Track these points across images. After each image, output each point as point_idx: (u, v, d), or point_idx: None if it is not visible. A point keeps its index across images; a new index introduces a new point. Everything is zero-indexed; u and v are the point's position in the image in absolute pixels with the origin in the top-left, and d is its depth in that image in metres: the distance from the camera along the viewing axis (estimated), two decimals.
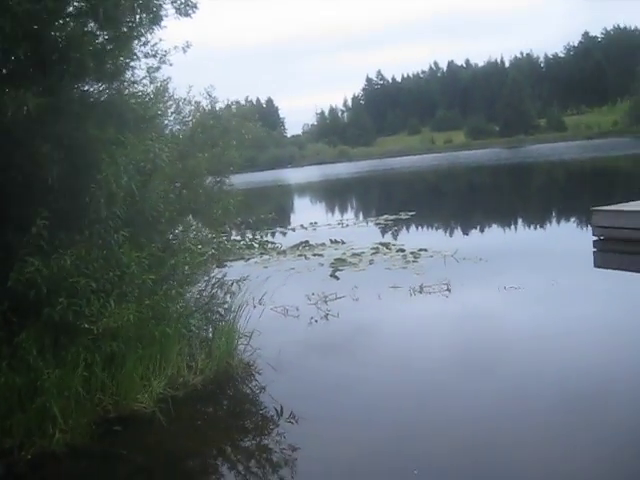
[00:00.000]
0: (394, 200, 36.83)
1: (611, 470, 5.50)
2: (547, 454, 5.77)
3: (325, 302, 11.77)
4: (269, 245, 19.59)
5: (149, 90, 10.38)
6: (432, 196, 38.49)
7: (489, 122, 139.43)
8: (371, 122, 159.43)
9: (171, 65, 9.28)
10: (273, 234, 23.04)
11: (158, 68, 10.08)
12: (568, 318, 9.88)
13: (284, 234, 23.34)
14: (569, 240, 17.23)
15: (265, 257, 17.74)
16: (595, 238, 15.73)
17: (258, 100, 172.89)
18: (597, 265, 14.25)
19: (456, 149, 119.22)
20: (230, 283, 10.02)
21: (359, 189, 51.56)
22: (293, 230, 24.12)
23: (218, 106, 11.73)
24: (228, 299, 9.82)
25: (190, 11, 8.32)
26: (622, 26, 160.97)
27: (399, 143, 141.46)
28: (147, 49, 9.03)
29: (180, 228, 9.85)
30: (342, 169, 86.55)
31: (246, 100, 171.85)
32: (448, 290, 11.83)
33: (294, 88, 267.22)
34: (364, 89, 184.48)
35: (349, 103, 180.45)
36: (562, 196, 30.79)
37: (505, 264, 14.27)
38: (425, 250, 15.94)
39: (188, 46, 9.03)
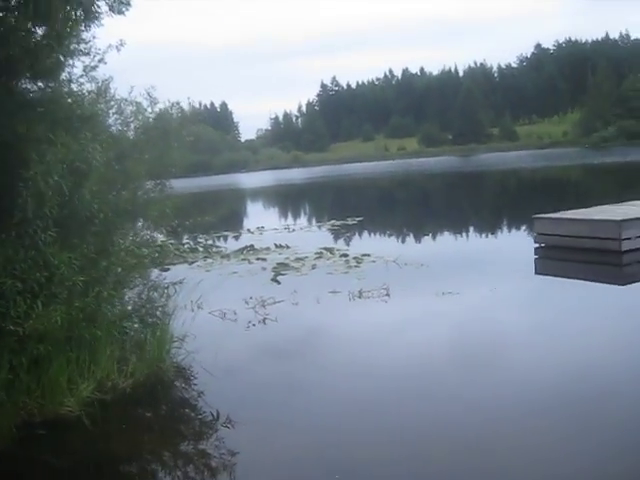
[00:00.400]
0: (343, 206, 36.92)
1: None
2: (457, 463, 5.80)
3: (263, 306, 11.70)
4: (214, 249, 19.49)
5: (87, 89, 10.31)
6: (380, 202, 38.73)
7: (443, 130, 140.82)
8: (325, 128, 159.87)
9: (106, 64, 9.17)
10: (219, 238, 22.94)
11: (95, 67, 9.98)
12: (498, 323, 9.98)
13: (231, 238, 23.23)
14: (513, 247, 17.43)
15: (209, 261, 17.62)
16: (537, 245, 15.94)
17: (212, 104, 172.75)
18: (538, 272, 14.40)
19: (409, 156, 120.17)
20: (166, 286, 9.94)
21: (310, 194, 51.60)
22: (240, 234, 24.03)
23: (158, 107, 11.54)
24: (165, 302, 9.73)
25: (124, 8, 8.24)
26: (573, 39, 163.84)
27: (353, 149, 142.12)
28: (82, 47, 8.94)
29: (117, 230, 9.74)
30: (295, 174, 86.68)
31: (199, 104, 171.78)
32: (387, 295, 11.85)
33: (249, 93, 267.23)
34: (319, 95, 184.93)
35: (304, 109, 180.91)
36: (509, 204, 31.22)
37: (446, 270, 14.36)
38: (368, 255, 15.98)
39: (122, 44, 8.90)
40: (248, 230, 24.87)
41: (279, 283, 13.92)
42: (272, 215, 34.37)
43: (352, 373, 8.34)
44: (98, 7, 8.40)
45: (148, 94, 11.19)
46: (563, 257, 15.07)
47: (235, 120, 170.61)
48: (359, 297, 11.88)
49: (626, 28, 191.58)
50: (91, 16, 8.31)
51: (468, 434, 6.29)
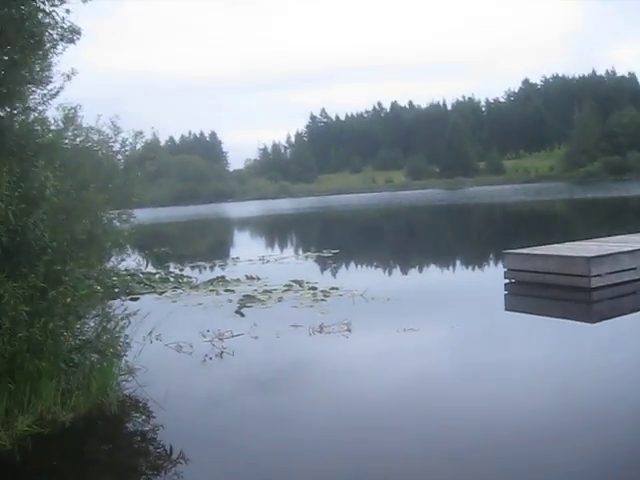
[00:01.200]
0: (322, 237, 36.92)
1: None
2: None
3: (221, 339, 11.50)
4: (184, 279, 19.30)
5: (53, 117, 10.27)
6: (360, 235, 38.58)
7: (430, 163, 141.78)
8: (314, 159, 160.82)
9: (57, 93, 9.10)
10: (193, 268, 22.80)
11: (55, 94, 9.93)
12: (453, 362, 9.81)
13: (205, 268, 23.05)
14: (485, 282, 17.31)
15: (178, 291, 17.43)
16: (507, 281, 15.82)
17: (201, 133, 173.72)
18: (507, 308, 14.25)
19: (396, 189, 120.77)
20: (120, 317, 9.78)
21: (291, 225, 51.62)
22: (214, 265, 23.81)
23: (122, 136, 11.43)
24: (118, 333, 9.57)
25: (74, 37, 8.19)
26: (560, 74, 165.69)
27: (341, 181, 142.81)
28: (39, 75, 8.87)
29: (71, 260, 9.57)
30: (281, 205, 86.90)
31: (189, 133, 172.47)
32: (348, 330, 11.65)
33: (238, 123, 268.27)
34: (308, 126, 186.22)
35: (292, 140, 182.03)
36: (487, 238, 31.22)
37: (412, 305, 14.20)
38: (336, 289, 15.83)
39: (73, 73, 8.86)
40: (223, 260, 24.68)
41: (243, 316, 13.72)
42: (250, 246, 34.16)
43: (302, 409, 8.19)
44: (49, 35, 8.35)
45: (112, 123, 11.16)
46: (533, 293, 14.91)
47: (224, 150, 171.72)
48: (319, 332, 11.68)
49: (612, 65, 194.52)
50: (40, 45, 8.24)
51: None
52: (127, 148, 11.23)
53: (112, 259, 10.96)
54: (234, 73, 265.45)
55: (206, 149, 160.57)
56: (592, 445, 6.56)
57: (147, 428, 8.00)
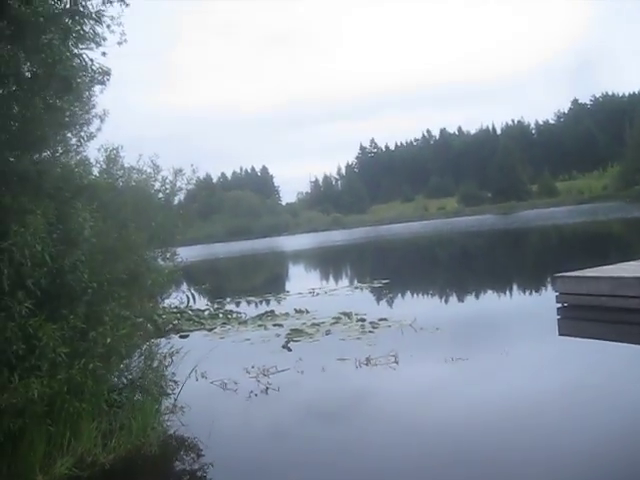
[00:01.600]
0: (372, 267, 36.67)
1: None
2: None
3: (266, 375, 11.37)
4: (234, 315, 19.27)
5: (94, 158, 10.42)
6: (410, 263, 38.17)
7: (481, 188, 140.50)
8: (365, 190, 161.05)
9: (93, 135, 9.19)
10: (241, 303, 22.78)
11: (92, 137, 10.05)
12: (504, 392, 9.47)
13: (255, 303, 22.96)
14: (539, 307, 16.85)
15: (227, 327, 17.38)
16: (559, 305, 15.41)
17: (253, 168, 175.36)
18: (561, 333, 13.83)
19: (449, 216, 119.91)
20: (163, 356, 9.76)
21: (342, 256, 51.45)
22: (264, 299, 23.74)
23: (161, 175, 11.49)
24: (161, 372, 9.54)
25: (105, 79, 8.23)
26: (610, 93, 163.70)
27: (392, 210, 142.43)
28: (71, 118, 8.94)
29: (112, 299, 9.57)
30: (334, 237, 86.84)
31: (240, 168, 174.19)
32: (395, 362, 11.43)
33: (289, 156, 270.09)
34: (358, 157, 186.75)
35: (343, 171, 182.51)
36: (541, 261, 30.56)
37: (462, 334, 13.93)
38: (385, 320, 15.61)
39: (105, 114, 8.92)
40: (272, 295, 24.66)
41: (290, 350, 13.59)
42: (300, 279, 34.06)
43: (352, 448, 7.96)
44: (83, 78, 8.41)
45: (152, 162, 11.24)
46: (586, 317, 14.48)
47: (276, 184, 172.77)
48: (366, 364, 11.48)
49: None
50: (75, 88, 8.29)
51: None
52: (167, 186, 11.29)
53: (158, 298, 11.00)
54: (282, 107, 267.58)
55: (258, 184, 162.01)
56: None
57: (189, 467, 7.91)
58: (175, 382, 10.21)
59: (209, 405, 10.08)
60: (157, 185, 11.29)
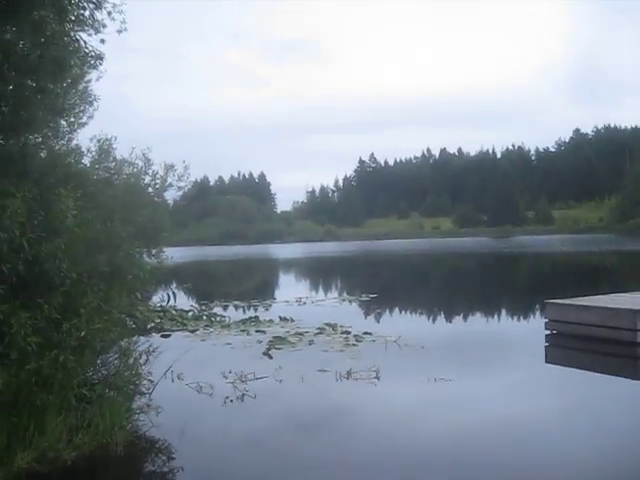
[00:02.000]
0: (361, 281, 36.42)
1: None
2: None
3: (244, 382, 11.10)
4: (217, 318, 19.00)
5: (76, 147, 10.21)
6: (400, 280, 37.95)
7: (477, 211, 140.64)
8: (361, 203, 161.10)
9: (84, 123, 9.02)
10: (227, 307, 22.51)
11: (84, 124, 9.90)
12: (485, 416, 9.23)
13: (240, 308, 22.71)
14: (526, 332, 16.63)
15: (209, 330, 17.11)
16: (548, 332, 15.19)
17: (251, 174, 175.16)
18: (548, 361, 13.62)
19: (443, 235, 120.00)
20: (139, 354, 9.51)
21: (333, 268, 51.26)
22: (250, 304, 23.45)
23: (152, 169, 11.26)
24: (140, 370, 9.32)
25: (97, 63, 8.04)
26: (612, 125, 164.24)
27: (387, 226, 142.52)
28: (61, 104, 8.75)
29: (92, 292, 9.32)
30: (327, 248, 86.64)
31: (238, 173, 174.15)
32: (376, 378, 11.16)
33: (287, 165, 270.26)
34: (356, 170, 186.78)
35: (340, 183, 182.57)
36: (532, 287, 30.37)
37: (446, 354, 13.66)
38: (370, 334, 15.34)
39: (96, 100, 8.75)
40: (258, 301, 24.39)
41: (271, 358, 13.32)
42: (288, 287, 33.90)
43: (313, 459, 7.74)
44: (77, 62, 8.20)
45: (144, 155, 11.04)
46: (575, 346, 14.26)
47: (272, 191, 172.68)
48: (347, 378, 11.22)
49: None
50: (67, 71, 8.08)
51: None
52: (157, 181, 11.09)
53: (138, 294, 10.75)
54: (285, 116, 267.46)
55: (255, 190, 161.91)
56: None
57: (156, 469, 7.66)
58: (150, 381, 10.00)
59: (183, 408, 9.82)
60: (147, 179, 11.10)
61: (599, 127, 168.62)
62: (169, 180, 11.14)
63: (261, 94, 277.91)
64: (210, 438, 8.66)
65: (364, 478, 7.16)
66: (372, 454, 7.85)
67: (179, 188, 11.28)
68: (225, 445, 8.44)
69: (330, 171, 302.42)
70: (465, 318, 20.45)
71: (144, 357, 9.61)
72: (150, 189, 11.07)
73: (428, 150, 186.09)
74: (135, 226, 9.84)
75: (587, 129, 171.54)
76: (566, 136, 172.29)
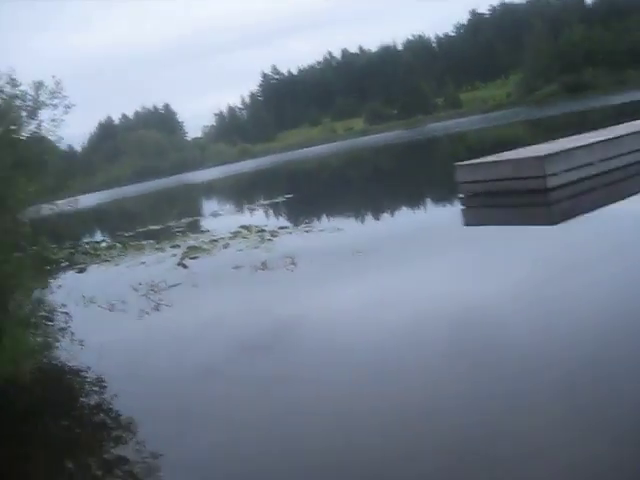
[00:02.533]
0: (276, 187, 35.90)
1: None
2: None
3: (156, 292, 10.70)
4: (131, 243, 18.41)
5: None
6: (314, 181, 37.50)
7: (387, 106, 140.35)
8: (271, 117, 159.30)
9: None
10: (142, 232, 21.89)
11: None
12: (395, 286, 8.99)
13: (154, 230, 22.05)
14: (442, 201, 16.47)
15: (123, 255, 16.54)
16: (462, 195, 14.97)
17: (154, 107, 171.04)
18: (466, 223, 13.37)
19: (357, 136, 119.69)
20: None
21: (248, 183, 50.49)
22: (164, 226, 22.79)
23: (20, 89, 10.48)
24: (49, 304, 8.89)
25: None
26: (507, 1, 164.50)
27: (300, 135, 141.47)
28: None
29: None
30: (242, 166, 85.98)
31: (142, 108, 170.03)
32: (293, 264, 10.88)
33: (191, 92, 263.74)
34: (261, 85, 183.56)
35: (247, 101, 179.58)
36: (444, 163, 30.28)
37: (363, 233, 13.47)
38: (286, 227, 15.07)
39: None
40: (174, 221, 23.76)
41: (185, 267, 12.93)
42: (203, 204, 33.38)
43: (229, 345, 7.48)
44: None
45: (8, 76, 10.35)
46: (490, 203, 14.03)
47: (180, 120, 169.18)
48: (262, 269, 10.91)
49: None
50: None
51: None
52: (29, 102, 10.42)
53: None
54: (176, 41, 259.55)
55: (162, 122, 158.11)
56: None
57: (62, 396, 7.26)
58: (66, 313, 9.62)
59: (98, 329, 9.39)
60: (17, 102, 10.39)
61: (495, 4, 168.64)
62: (41, 98, 10.44)
63: (145, 23, 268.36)
64: (127, 352, 8.25)
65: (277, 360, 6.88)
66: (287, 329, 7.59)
67: (54, 106, 10.54)
68: (140, 355, 8.05)
69: (235, 91, 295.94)
70: (383, 201, 20.06)
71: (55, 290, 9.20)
72: (23, 112, 10.40)
73: (329, 53, 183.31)
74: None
75: (483, 9, 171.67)
76: (464, 19, 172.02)
